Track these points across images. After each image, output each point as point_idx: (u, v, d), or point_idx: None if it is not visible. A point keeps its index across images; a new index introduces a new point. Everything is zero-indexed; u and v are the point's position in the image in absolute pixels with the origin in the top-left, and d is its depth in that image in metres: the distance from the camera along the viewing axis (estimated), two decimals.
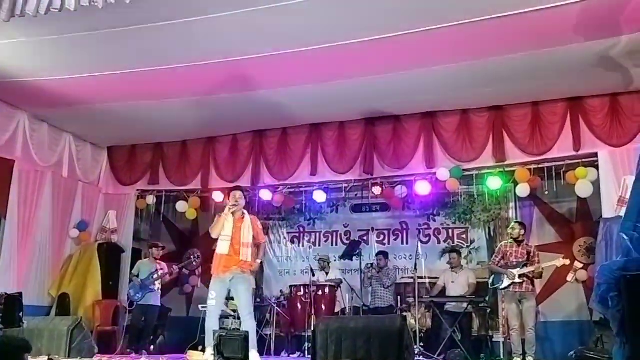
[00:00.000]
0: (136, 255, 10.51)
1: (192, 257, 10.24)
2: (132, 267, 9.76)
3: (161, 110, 8.85)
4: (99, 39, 6.57)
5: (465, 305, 8.59)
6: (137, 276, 9.21)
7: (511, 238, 8.01)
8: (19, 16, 5.65)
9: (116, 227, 10.48)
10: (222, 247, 6.45)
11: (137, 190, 10.84)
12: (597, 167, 8.15)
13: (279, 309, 9.66)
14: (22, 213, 9.06)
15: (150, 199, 10.74)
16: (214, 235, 6.57)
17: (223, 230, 6.46)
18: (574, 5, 5.74)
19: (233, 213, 6.52)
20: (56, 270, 9.85)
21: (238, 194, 6.66)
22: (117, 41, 6.64)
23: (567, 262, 7.81)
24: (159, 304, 9.39)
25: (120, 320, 9.78)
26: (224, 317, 8.88)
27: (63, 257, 10.05)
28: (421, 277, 9.44)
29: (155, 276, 9.16)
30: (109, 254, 10.25)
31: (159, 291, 9.29)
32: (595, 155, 8.15)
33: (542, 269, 7.72)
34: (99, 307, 9.63)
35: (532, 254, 7.80)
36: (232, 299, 7.36)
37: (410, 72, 7.41)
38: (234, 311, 8.51)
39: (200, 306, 9.23)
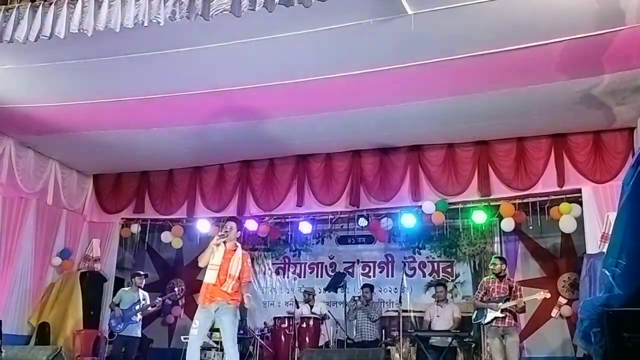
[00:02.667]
0: (119, 285, 10.37)
1: (175, 287, 10.13)
2: (114, 296, 9.61)
3: (149, 139, 8.85)
4: (88, 67, 6.59)
5: (449, 339, 8.53)
6: (118, 305, 9.05)
7: (493, 273, 8.01)
8: (8, 42, 5.67)
9: (99, 255, 10.38)
10: (209, 277, 6.37)
11: (122, 218, 10.77)
12: (580, 203, 8.22)
13: (262, 342, 9.54)
14: (4, 240, 8.97)
15: (135, 228, 10.66)
16: (201, 264, 6.50)
17: (212, 259, 6.40)
18: (558, 44, 5.86)
19: (225, 243, 6.47)
20: (37, 298, 9.72)
21: (230, 224, 6.62)
22: (105, 69, 6.65)
23: (548, 295, 7.81)
24: (140, 335, 9.22)
25: (101, 351, 9.61)
26: (206, 348, 8.76)
27: (44, 285, 9.93)
28: (406, 311, 9.38)
29: (138, 307, 9.02)
30: (92, 283, 10.12)
31: (140, 322, 9.15)
32: (579, 191, 8.22)
33: (524, 303, 7.72)
34: (79, 337, 9.45)
35: (514, 289, 7.80)
36: (217, 330, 7.25)
37: (397, 106, 7.49)
38: (217, 342, 8.39)
39: (182, 337, 9.07)
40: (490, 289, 7.88)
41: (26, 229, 9.38)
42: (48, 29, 5.54)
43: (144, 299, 9.16)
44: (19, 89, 7.34)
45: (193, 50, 6.14)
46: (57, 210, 10.14)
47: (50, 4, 5.63)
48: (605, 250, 4.50)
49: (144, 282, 9.45)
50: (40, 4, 5.68)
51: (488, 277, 8.19)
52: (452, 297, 9.80)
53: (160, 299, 9.44)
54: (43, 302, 9.72)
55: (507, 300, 7.67)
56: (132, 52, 6.25)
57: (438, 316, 8.98)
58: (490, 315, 7.66)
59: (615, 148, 8.06)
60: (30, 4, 5.72)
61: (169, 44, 6.07)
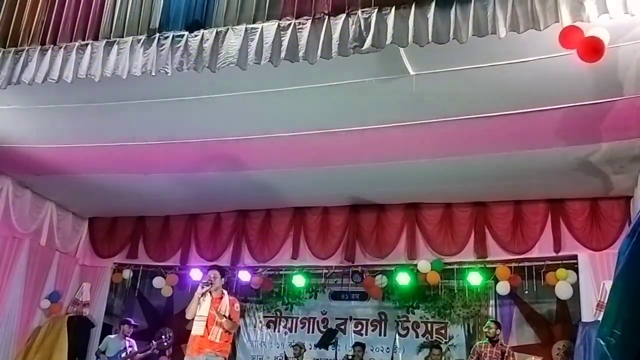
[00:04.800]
0: (107, 331, 10.21)
1: (163, 336, 9.93)
2: (101, 343, 9.43)
3: (147, 184, 8.85)
4: (91, 110, 6.65)
5: None
6: (104, 352, 8.89)
7: (487, 337, 7.89)
8: (15, 84, 5.74)
9: (89, 300, 10.24)
10: (197, 329, 6.31)
11: (114, 263, 10.69)
12: (576, 270, 8.18)
13: None
14: None
15: (127, 274, 10.56)
16: (188, 316, 6.44)
17: (199, 310, 6.33)
18: (557, 111, 5.94)
19: (210, 293, 6.41)
20: (22, 341, 9.52)
21: (213, 272, 6.57)
22: (108, 114, 6.72)
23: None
24: None
25: None
26: None
27: (31, 328, 9.75)
28: None
29: (124, 355, 8.85)
30: (79, 328, 9.95)
31: None
32: (575, 257, 8.21)
33: None
34: None
35: (506, 354, 7.69)
36: None
37: (396, 163, 7.53)
38: None
39: None
40: (483, 354, 7.76)
41: (17, 269, 9.27)
42: (56, 73, 5.63)
43: (130, 347, 9.00)
44: (22, 129, 7.38)
45: (196, 99, 6.21)
46: (49, 251, 10.04)
47: (60, 48, 5.73)
48: (600, 318, 4.45)
49: (132, 332, 9.30)
50: (49, 47, 5.78)
51: (481, 341, 8.08)
52: None
53: (147, 346, 9.27)
54: (28, 345, 9.52)
55: None
56: (136, 98, 6.31)
57: None
58: None
59: (612, 216, 8.09)
60: (39, 47, 5.82)
61: (173, 91, 6.14)
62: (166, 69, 5.28)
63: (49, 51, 5.74)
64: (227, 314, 6.37)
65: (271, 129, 6.88)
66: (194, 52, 5.22)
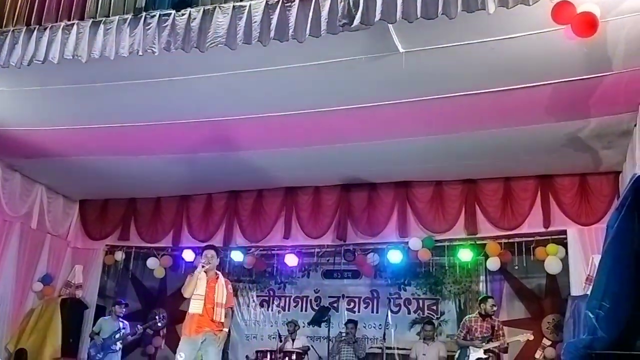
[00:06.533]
0: (100, 312, 10.24)
1: (157, 317, 9.99)
2: (94, 324, 9.47)
3: (137, 166, 8.81)
4: (80, 92, 6.60)
5: None
6: (98, 334, 8.94)
7: (484, 312, 7.94)
8: (3, 67, 5.68)
9: (82, 282, 10.24)
10: (195, 307, 6.34)
11: (106, 245, 10.66)
12: (565, 245, 8.26)
13: None
14: None
15: (119, 255, 10.55)
16: (186, 295, 6.45)
17: (196, 289, 6.37)
18: (546, 86, 5.95)
19: (206, 272, 6.45)
20: (16, 324, 9.55)
21: (210, 252, 6.61)
22: (97, 96, 6.66)
23: (531, 337, 7.82)
24: None
25: None
26: None
27: (24, 310, 9.77)
28: (390, 348, 9.29)
29: (118, 335, 8.91)
30: (72, 310, 9.96)
31: (120, 351, 9.01)
32: (564, 232, 8.28)
33: (507, 343, 7.70)
34: None
35: (496, 328, 7.78)
36: None
37: (386, 142, 7.53)
38: None
39: None
40: (473, 329, 7.84)
41: (8, 252, 9.25)
42: (42, 54, 5.58)
43: (124, 328, 9.05)
44: (9, 112, 7.31)
45: (185, 79, 6.17)
46: (40, 234, 10.02)
47: (45, 28, 5.66)
48: (589, 292, 4.51)
49: (124, 311, 9.34)
50: (35, 28, 5.71)
51: (470, 315, 8.16)
52: (436, 336, 9.70)
53: (140, 326, 9.33)
54: (22, 328, 9.55)
55: (490, 340, 7.63)
56: (124, 79, 6.25)
57: (424, 354, 8.85)
58: (474, 355, 7.61)
59: (601, 191, 8.14)
60: (25, 27, 5.75)
61: (162, 72, 6.09)
62: (153, 49, 5.24)
63: (35, 32, 5.67)
64: (224, 301, 6.45)
65: (261, 109, 6.85)
66: (181, 32, 5.17)
